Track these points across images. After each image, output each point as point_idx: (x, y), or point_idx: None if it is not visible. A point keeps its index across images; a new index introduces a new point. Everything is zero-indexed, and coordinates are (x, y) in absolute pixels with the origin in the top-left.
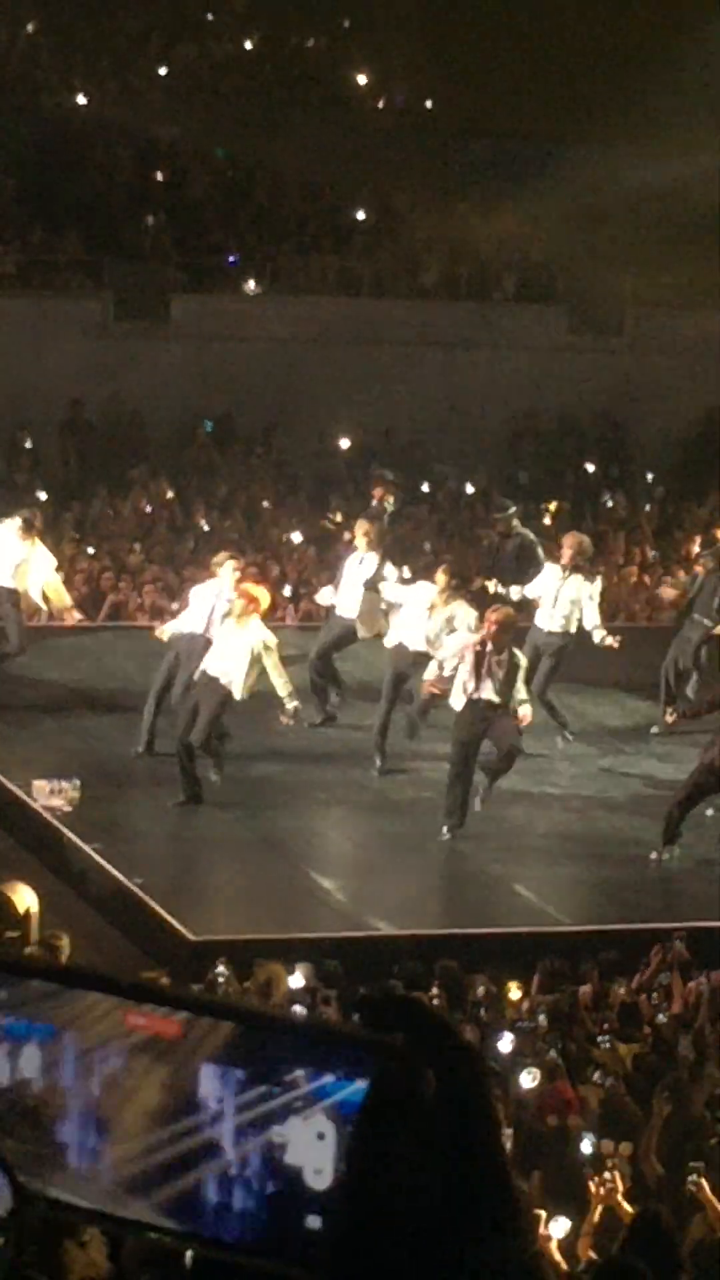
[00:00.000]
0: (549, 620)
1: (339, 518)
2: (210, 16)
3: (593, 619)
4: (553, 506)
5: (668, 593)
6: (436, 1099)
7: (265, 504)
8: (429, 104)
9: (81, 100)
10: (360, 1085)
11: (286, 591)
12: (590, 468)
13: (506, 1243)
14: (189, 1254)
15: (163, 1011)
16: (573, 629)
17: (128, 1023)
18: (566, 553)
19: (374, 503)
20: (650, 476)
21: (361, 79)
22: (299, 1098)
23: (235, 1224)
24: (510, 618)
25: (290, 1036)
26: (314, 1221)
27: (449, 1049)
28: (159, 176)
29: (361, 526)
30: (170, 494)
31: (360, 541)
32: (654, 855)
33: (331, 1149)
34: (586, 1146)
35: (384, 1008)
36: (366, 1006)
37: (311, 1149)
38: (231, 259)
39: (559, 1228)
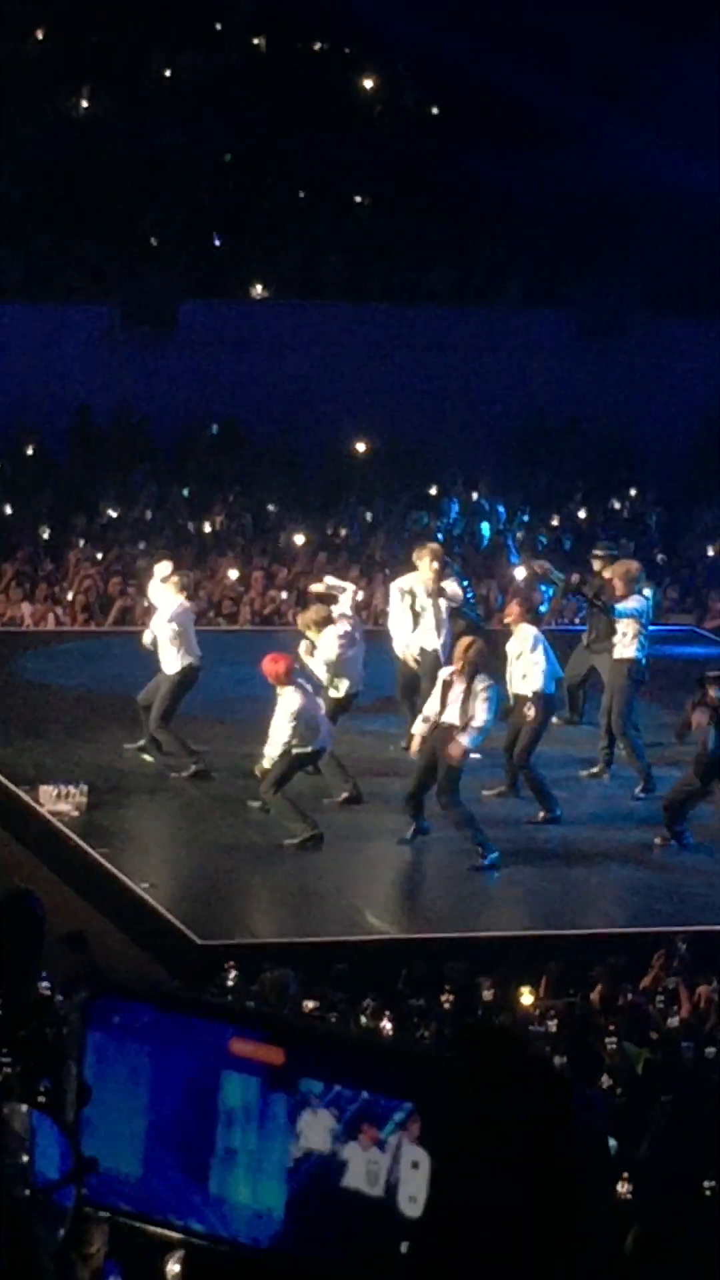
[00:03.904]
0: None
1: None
2: (219, 26)
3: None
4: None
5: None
6: (524, 1130)
7: (271, 508)
8: (435, 109)
9: (88, 106)
10: (450, 1114)
11: (285, 596)
12: (596, 472)
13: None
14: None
15: (266, 1039)
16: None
17: (234, 1049)
18: (620, 584)
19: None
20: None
21: (368, 83)
22: (391, 1123)
23: (322, 1243)
24: (480, 650)
25: (384, 1065)
26: (405, 1247)
27: (541, 1083)
28: (165, 182)
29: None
30: (177, 499)
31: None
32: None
33: (426, 1177)
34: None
35: (481, 1039)
36: (464, 1038)
37: (408, 1177)
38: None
39: None
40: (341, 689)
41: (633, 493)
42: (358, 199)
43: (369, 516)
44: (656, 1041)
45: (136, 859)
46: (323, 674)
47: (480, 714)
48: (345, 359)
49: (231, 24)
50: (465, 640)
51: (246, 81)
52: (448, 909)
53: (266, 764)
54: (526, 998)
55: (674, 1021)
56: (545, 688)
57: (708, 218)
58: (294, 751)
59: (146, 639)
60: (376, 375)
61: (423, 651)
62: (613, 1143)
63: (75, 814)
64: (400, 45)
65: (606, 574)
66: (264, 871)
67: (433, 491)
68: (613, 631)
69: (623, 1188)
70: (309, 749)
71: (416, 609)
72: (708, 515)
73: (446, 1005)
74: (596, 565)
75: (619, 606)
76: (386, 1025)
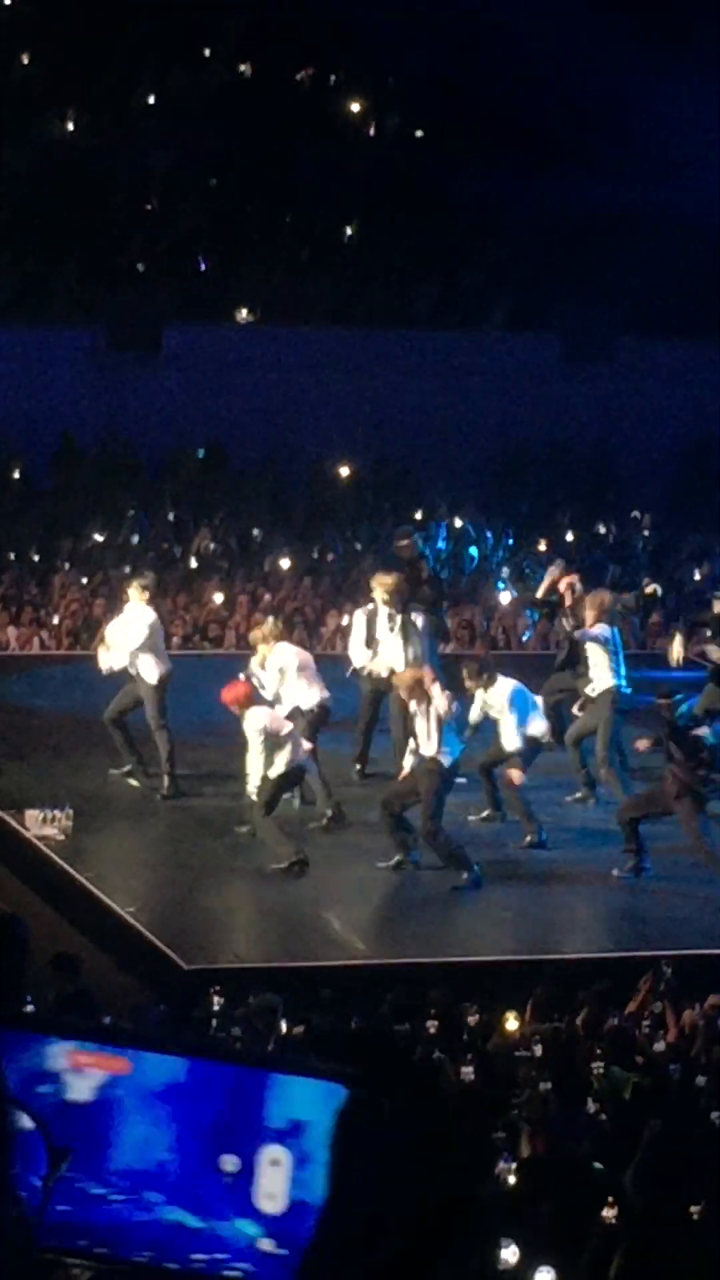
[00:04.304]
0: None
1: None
2: (205, 50)
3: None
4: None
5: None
6: (396, 1123)
7: (256, 532)
8: (420, 133)
9: (74, 129)
10: (317, 1113)
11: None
12: (582, 496)
13: (465, 1257)
14: None
15: (109, 1050)
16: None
17: (74, 1061)
18: (591, 614)
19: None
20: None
21: (353, 108)
22: (252, 1128)
23: (193, 1248)
24: (416, 677)
25: (245, 1069)
26: (267, 1244)
27: (406, 1077)
28: (152, 206)
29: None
30: (163, 522)
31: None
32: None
33: (285, 1175)
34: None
35: (341, 1041)
36: (324, 1041)
37: (267, 1176)
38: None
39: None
40: (307, 701)
41: (635, 514)
42: (343, 223)
43: (356, 542)
44: (643, 1066)
45: (122, 883)
46: (274, 686)
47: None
48: (330, 383)
49: (218, 48)
50: (407, 673)
51: (232, 105)
52: (434, 934)
53: (252, 792)
54: (512, 1023)
55: (660, 1046)
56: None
57: (692, 242)
58: (273, 775)
59: (109, 661)
60: (362, 399)
61: (392, 672)
62: (598, 1166)
63: (60, 838)
64: (386, 69)
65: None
66: (250, 896)
67: (418, 516)
68: (581, 655)
69: (609, 1212)
70: (286, 769)
71: (377, 634)
72: (694, 539)
73: (432, 1030)
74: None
75: (587, 630)
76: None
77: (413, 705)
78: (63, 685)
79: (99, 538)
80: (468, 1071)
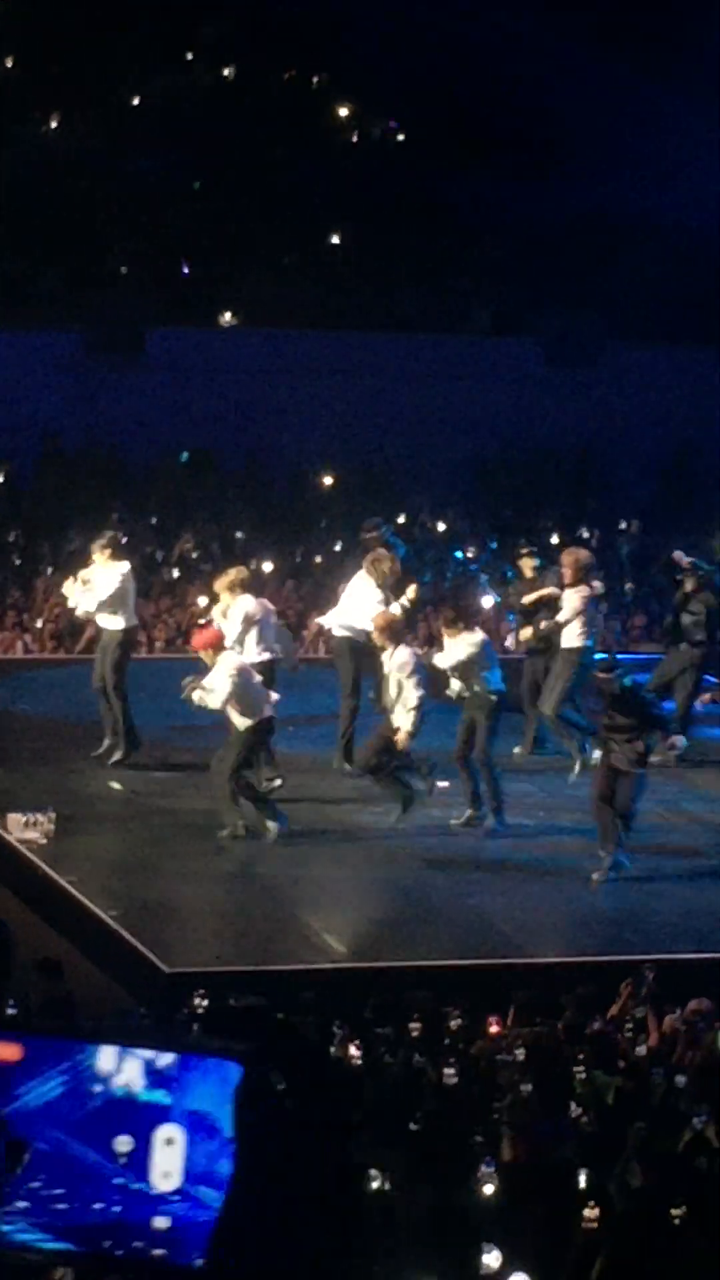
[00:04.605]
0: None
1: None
2: (189, 55)
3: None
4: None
5: None
6: (289, 1097)
7: (239, 535)
8: (404, 138)
9: (58, 133)
10: (211, 1091)
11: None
12: (565, 500)
13: (356, 1226)
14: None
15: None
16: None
17: None
18: (569, 572)
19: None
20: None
21: (338, 112)
22: (146, 1107)
23: (96, 1235)
24: (389, 622)
25: (140, 1050)
26: (161, 1222)
27: (296, 1052)
28: (134, 209)
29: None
30: (146, 526)
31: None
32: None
33: (180, 1153)
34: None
35: (232, 1019)
36: (215, 1020)
37: (161, 1154)
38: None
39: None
40: (261, 655)
41: (622, 525)
42: (327, 227)
43: (338, 544)
44: (625, 1071)
45: (104, 886)
46: (234, 635)
47: (404, 697)
48: (314, 387)
49: (202, 51)
50: (381, 616)
51: (216, 109)
52: (416, 937)
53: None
54: (494, 1026)
55: (642, 1051)
56: (496, 686)
57: (675, 247)
58: (246, 728)
59: (79, 602)
60: (345, 403)
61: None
62: (582, 1175)
63: (43, 841)
64: (371, 73)
65: (563, 564)
66: (231, 898)
67: (400, 520)
68: (556, 629)
69: (590, 1215)
70: (258, 719)
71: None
72: (676, 544)
73: (414, 1033)
74: (528, 572)
75: (567, 592)
76: (354, 1052)
77: (384, 655)
78: (45, 689)
79: (82, 541)
80: (450, 1074)
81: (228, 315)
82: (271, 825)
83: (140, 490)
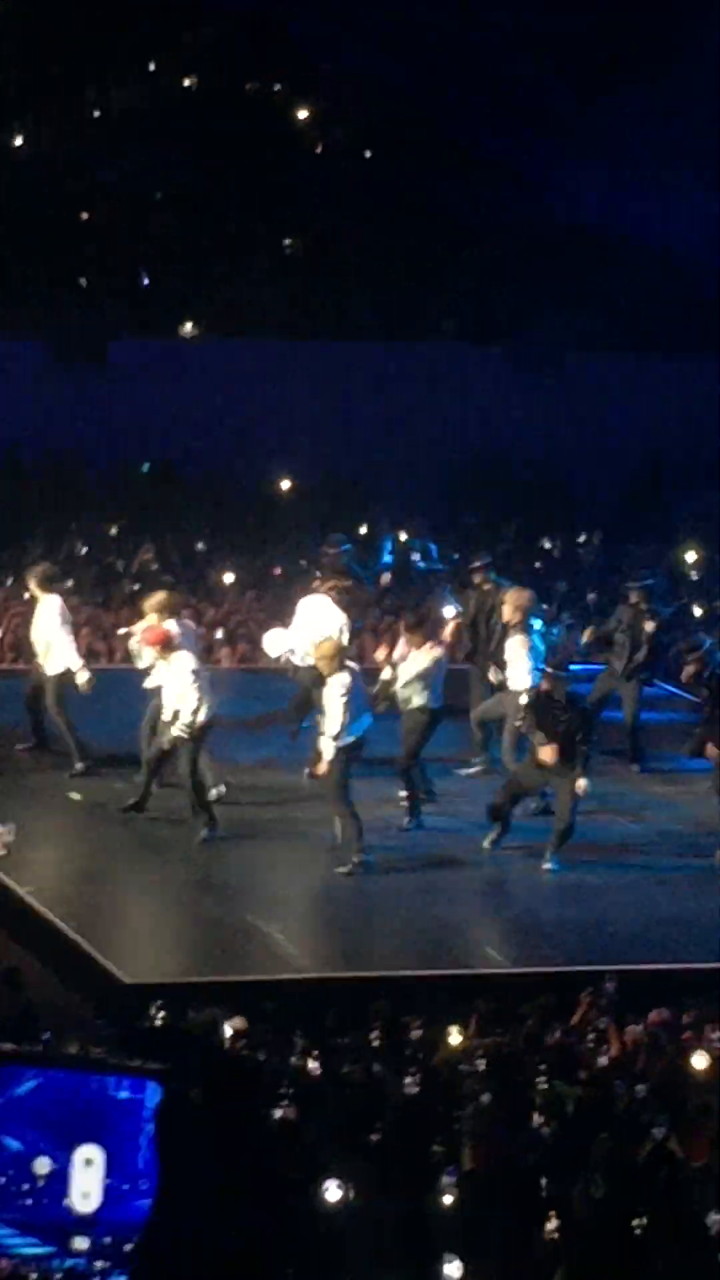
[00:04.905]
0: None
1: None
2: (152, 65)
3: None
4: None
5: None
6: (208, 1113)
7: (200, 546)
8: (369, 146)
9: (21, 142)
10: (130, 1110)
11: (220, 635)
12: (530, 508)
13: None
14: None
15: None
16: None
17: None
18: (510, 610)
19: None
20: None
21: (302, 119)
22: (64, 1130)
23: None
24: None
25: (55, 1072)
26: (81, 1243)
27: (214, 1068)
28: (97, 218)
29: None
30: (107, 537)
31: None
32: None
33: (99, 1174)
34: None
35: (152, 1039)
36: (136, 1039)
37: (80, 1175)
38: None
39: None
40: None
41: (582, 537)
42: (289, 236)
43: (301, 556)
44: (586, 1081)
45: (64, 896)
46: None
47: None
48: (277, 396)
49: (165, 61)
50: (328, 644)
51: (180, 118)
52: (378, 947)
53: (174, 734)
54: (455, 1037)
55: (604, 1061)
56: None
57: (642, 256)
58: (198, 723)
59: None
60: (310, 412)
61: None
62: (543, 1181)
63: (2, 852)
64: (336, 81)
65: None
66: (192, 909)
67: (363, 530)
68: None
69: (551, 1225)
70: (207, 718)
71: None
72: (641, 554)
73: (375, 1043)
74: (478, 580)
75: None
76: (313, 1064)
77: (329, 679)
78: (5, 699)
79: (41, 552)
80: (411, 1084)
81: (191, 325)
82: (204, 832)
83: (101, 500)
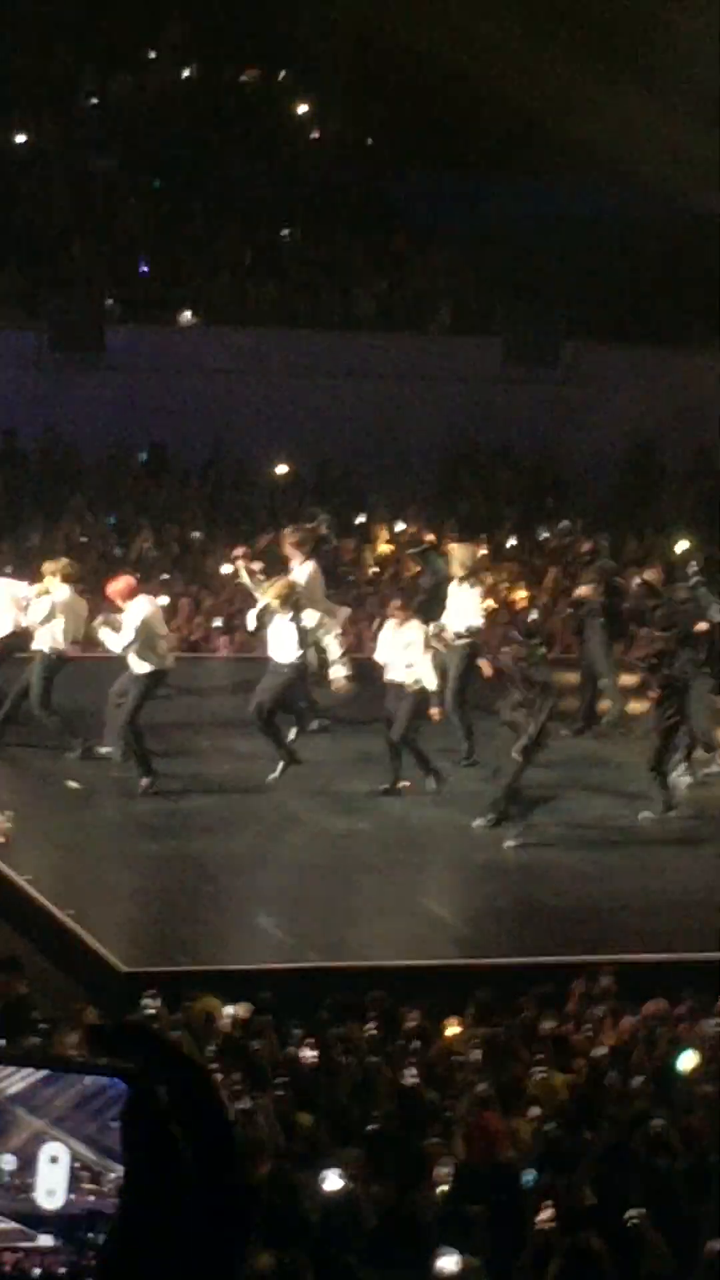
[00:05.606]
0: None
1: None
2: (150, 55)
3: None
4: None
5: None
6: (173, 1114)
7: (196, 535)
8: (366, 136)
9: (18, 132)
10: (95, 1109)
11: (218, 623)
12: (525, 500)
13: (242, 1242)
14: None
15: None
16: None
17: None
18: (458, 564)
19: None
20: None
21: (297, 110)
22: (29, 1127)
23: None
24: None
25: (24, 1070)
26: (45, 1240)
27: (178, 1068)
28: (94, 207)
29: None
30: (104, 525)
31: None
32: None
33: (64, 1171)
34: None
35: (115, 1036)
36: (98, 1037)
37: (46, 1172)
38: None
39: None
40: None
41: (564, 523)
42: (286, 225)
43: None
44: (582, 1071)
45: (61, 885)
46: (39, 615)
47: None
48: (273, 385)
49: (161, 51)
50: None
51: (176, 108)
52: (374, 936)
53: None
54: (453, 1028)
55: (601, 1052)
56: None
57: (634, 246)
58: (146, 673)
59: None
60: (304, 402)
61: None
62: (531, 1174)
63: (1, 841)
64: (330, 72)
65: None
66: (189, 898)
67: (360, 520)
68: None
69: (545, 1215)
70: (157, 668)
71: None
72: (634, 544)
73: (371, 1033)
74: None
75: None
76: (308, 1053)
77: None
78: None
79: (40, 539)
80: (409, 1076)
81: (187, 314)
82: (145, 780)
83: (99, 489)
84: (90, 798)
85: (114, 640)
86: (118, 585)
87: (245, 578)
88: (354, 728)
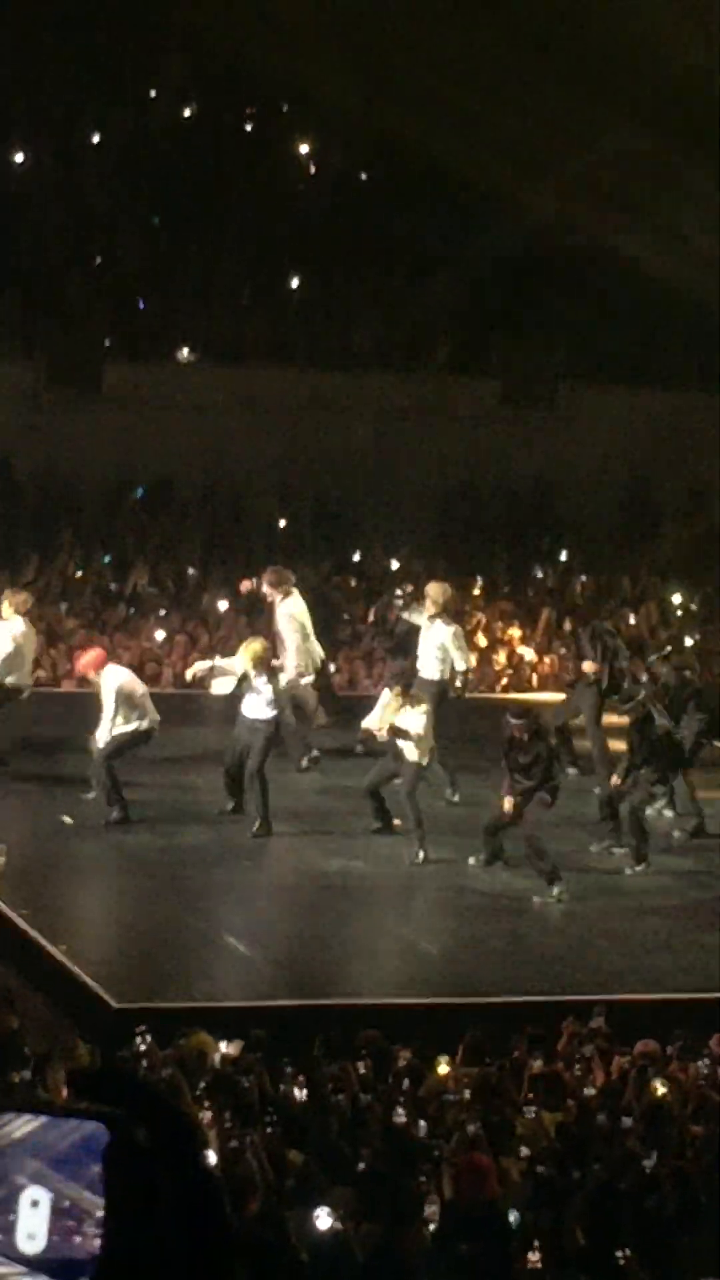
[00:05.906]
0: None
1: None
2: (151, 92)
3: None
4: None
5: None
6: (155, 1158)
7: (192, 571)
8: (364, 175)
9: (17, 166)
10: (76, 1154)
11: (217, 659)
12: (520, 539)
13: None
14: None
15: None
16: (445, 675)
17: None
18: (430, 603)
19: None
20: (579, 548)
21: (296, 148)
22: (8, 1171)
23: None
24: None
25: (5, 1115)
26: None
27: (159, 1112)
28: (93, 243)
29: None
30: (100, 560)
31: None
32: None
33: (45, 1216)
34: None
35: (96, 1080)
36: (79, 1081)
37: (27, 1216)
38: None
39: None
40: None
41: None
42: (284, 263)
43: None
44: (572, 1111)
45: (55, 921)
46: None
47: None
48: (270, 423)
49: (162, 89)
50: (257, 643)
51: (175, 146)
52: (366, 975)
53: (99, 743)
54: (443, 1067)
55: (590, 1091)
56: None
57: (633, 287)
58: (128, 731)
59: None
60: (301, 439)
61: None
62: (515, 1215)
63: None
64: (329, 111)
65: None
66: (182, 934)
67: (355, 558)
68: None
69: (533, 1256)
70: (139, 727)
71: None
72: (630, 584)
73: (362, 1072)
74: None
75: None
76: (299, 1092)
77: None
78: None
79: (36, 574)
80: (399, 1115)
81: (185, 350)
82: (115, 814)
83: (96, 524)
84: (83, 832)
85: (105, 728)
86: (88, 658)
87: (216, 660)
88: (346, 765)
